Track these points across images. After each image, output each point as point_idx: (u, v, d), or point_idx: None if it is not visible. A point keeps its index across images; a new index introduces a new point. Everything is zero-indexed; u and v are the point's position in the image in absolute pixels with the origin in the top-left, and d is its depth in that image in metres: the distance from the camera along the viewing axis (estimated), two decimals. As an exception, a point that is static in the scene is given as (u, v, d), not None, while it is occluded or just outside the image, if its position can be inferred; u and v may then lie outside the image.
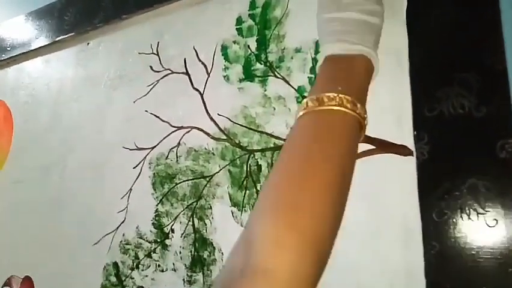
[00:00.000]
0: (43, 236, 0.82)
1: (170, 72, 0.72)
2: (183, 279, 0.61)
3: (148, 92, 0.74)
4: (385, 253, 0.45)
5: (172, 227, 0.64)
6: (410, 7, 0.49)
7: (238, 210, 0.58)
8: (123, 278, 0.68)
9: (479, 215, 0.41)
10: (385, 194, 0.47)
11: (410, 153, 0.46)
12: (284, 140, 0.57)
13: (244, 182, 0.59)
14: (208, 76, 0.67)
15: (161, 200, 0.67)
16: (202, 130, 0.65)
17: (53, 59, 0.95)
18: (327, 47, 0.32)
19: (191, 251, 0.61)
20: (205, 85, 0.67)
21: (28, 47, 0.99)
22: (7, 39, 1.05)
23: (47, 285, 0.79)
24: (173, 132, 0.69)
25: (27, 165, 0.90)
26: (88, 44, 0.88)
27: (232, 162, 0.61)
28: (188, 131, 0.67)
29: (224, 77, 0.65)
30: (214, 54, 0.67)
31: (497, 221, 0.40)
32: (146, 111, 0.73)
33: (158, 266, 0.64)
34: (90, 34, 0.87)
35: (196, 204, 0.63)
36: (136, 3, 0.78)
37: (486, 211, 0.41)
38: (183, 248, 0.62)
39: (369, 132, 0.50)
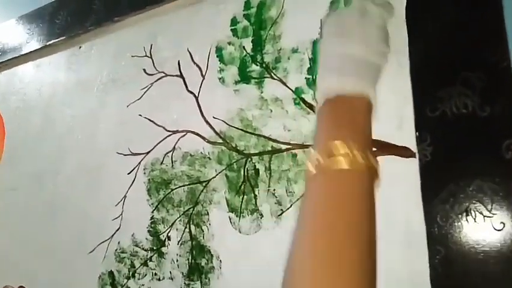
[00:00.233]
0: (37, 244, 0.80)
1: (164, 75, 0.71)
2: (180, 288, 0.59)
3: (141, 96, 0.72)
4: (388, 261, 0.44)
5: (169, 234, 0.63)
6: (410, 5, 0.48)
7: (236, 216, 0.57)
8: None
9: (485, 218, 0.39)
10: (387, 198, 0.45)
11: (412, 155, 0.44)
12: (282, 142, 0.55)
13: (242, 187, 0.57)
14: (203, 78, 0.65)
15: (156, 206, 0.65)
16: (197, 134, 0.64)
17: (45, 63, 0.93)
18: (327, 84, 0.31)
19: (188, 259, 0.60)
20: (200, 88, 0.65)
21: (19, 52, 0.97)
22: (-2, 44, 1.03)
23: (41, 295, 0.77)
24: (168, 136, 0.67)
25: (20, 172, 0.88)
26: (80, 47, 0.87)
27: (229, 166, 0.59)
28: (184, 135, 0.65)
29: (219, 79, 0.63)
30: (208, 56, 0.65)
31: (504, 224, 0.39)
32: (140, 115, 0.71)
33: (155, 274, 0.63)
34: (82, 37, 0.85)
35: (193, 211, 0.61)
36: (129, 5, 0.77)
37: (492, 214, 0.39)
38: (180, 255, 0.61)
39: (370, 133, 0.48)
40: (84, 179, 0.76)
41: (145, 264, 0.64)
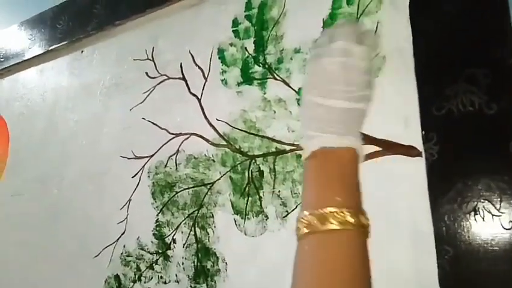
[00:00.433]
0: (42, 249, 0.80)
1: (166, 77, 0.70)
2: (187, 291, 0.59)
3: (144, 99, 0.72)
4: (395, 261, 0.43)
5: (174, 237, 0.62)
6: (413, 3, 0.47)
7: (241, 218, 0.57)
8: (125, 291, 0.66)
9: (494, 216, 0.39)
10: (393, 198, 0.45)
11: (418, 154, 0.44)
12: (286, 143, 0.55)
13: (246, 189, 0.57)
14: (206, 80, 0.65)
15: (161, 209, 0.65)
16: (201, 136, 0.63)
17: (48, 68, 0.94)
18: (313, 140, 0.31)
19: (194, 262, 0.59)
20: (202, 90, 0.65)
21: (22, 57, 0.97)
22: (0, 50, 1.03)
23: (48, 299, 0.77)
24: (171, 139, 0.67)
25: (25, 178, 0.88)
26: (82, 52, 0.87)
27: (233, 168, 0.59)
28: (187, 138, 0.65)
29: (222, 80, 0.63)
30: (210, 57, 0.65)
31: (513, 222, 0.38)
32: (143, 118, 0.71)
33: (161, 277, 0.62)
34: (84, 42, 0.85)
35: (198, 213, 0.61)
36: (129, 9, 0.77)
37: (501, 212, 0.39)
38: (186, 258, 0.61)
39: (375, 133, 0.48)
40: (88, 183, 0.76)
41: (150, 267, 0.64)
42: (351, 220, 0.27)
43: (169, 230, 0.63)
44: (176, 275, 0.61)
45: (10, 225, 0.88)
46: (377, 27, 0.50)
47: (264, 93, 0.58)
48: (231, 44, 0.64)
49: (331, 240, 0.28)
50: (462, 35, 0.44)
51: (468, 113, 0.41)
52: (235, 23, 0.64)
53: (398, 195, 0.45)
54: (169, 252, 0.62)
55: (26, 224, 0.85)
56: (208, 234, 0.59)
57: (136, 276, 0.65)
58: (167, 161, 0.66)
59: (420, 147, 0.44)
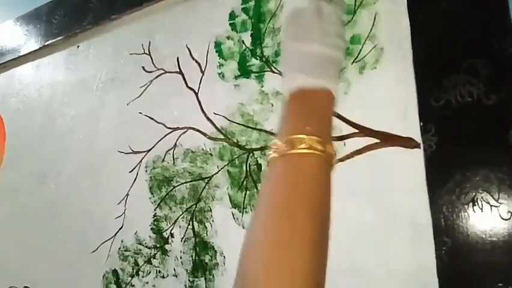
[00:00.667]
0: (41, 245, 0.80)
1: (163, 72, 0.70)
2: (185, 285, 0.59)
3: (141, 94, 0.72)
4: (394, 253, 0.43)
5: (172, 232, 0.62)
6: (411, -7, 0.47)
7: (239, 211, 0.56)
8: (123, 286, 0.66)
9: (492, 207, 0.39)
10: (392, 190, 0.45)
11: (416, 145, 0.44)
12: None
13: (244, 182, 0.57)
14: (203, 74, 0.65)
15: (159, 204, 0.65)
16: (198, 130, 0.63)
17: (44, 63, 0.93)
18: (290, 81, 0.33)
19: (192, 256, 0.59)
20: (199, 84, 0.65)
21: (17, 53, 0.96)
22: (-4, 46, 1.03)
23: (46, 295, 0.77)
24: (168, 133, 0.66)
25: (22, 173, 0.88)
26: (78, 47, 0.86)
27: (230, 162, 0.59)
28: (184, 132, 0.65)
29: (219, 74, 0.63)
30: (207, 51, 0.65)
31: (511, 213, 0.38)
32: (140, 113, 0.71)
33: (159, 272, 0.62)
34: (79, 37, 0.85)
35: (196, 207, 0.61)
36: (125, 3, 0.76)
37: (500, 203, 0.38)
38: (184, 252, 0.60)
39: (373, 125, 0.48)
40: (86, 178, 0.76)
41: (148, 262, 0.64)
42: (318, 146, 0.29)
43: (167, 225, 0.63)
44: (174, 269, 0.61)
45: (7, 220, 0.87)
46: (374, 19, 0.50)
47: (262, 86, 0.58)
48: (228, 37, 0.63)
49: (296, 162, 0.29)
50: (461, 26, 0.44)
51: (467, 104, 0.41)
52: (232, 16, 0.63)
53: (396, 187, 0.45)
54: (167, 247, 0.62)
55: (23, 219, 0.84)
56: (206, 228, 0.59)
57: (134, 271, 0.65)
58: (165, 155, 0.66)
59: (418, 138, 0.44)
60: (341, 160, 0.48)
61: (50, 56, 0.92)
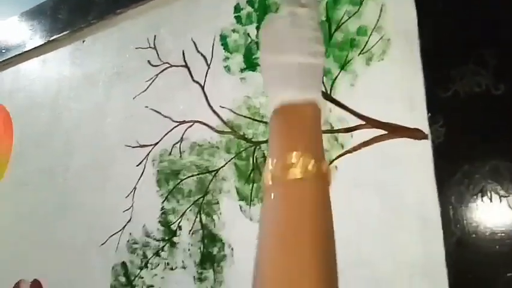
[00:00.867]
0: (50, 238, 0.81)
1: (169, 65, 0.70)
2: (193, 277, 0.60)
3: (147, 88, 0.72)
4: (402, 244, 0.43)
5: (180, 224, 0.63)
6: (419, -18, 0.46)
7: (247, 204, 0.57)
8: (132, 278, 0.67)
9: (501, 198, 0.39)
10: (399, 181, 0.45)
11: (424, 136, 0.44)
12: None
13: (251, 175, 0.57)
14: (208, 68, 0.65)
15: (166, 197, 0.65)
16: (204, 124, 0.63)
17: (49, 59, 0.93)
18: (274, 97, 0.32)
19: (200, 248, 0.60)
20: (205, 77, 0.65)
21: (23, 48, 0.97)
22: (1, 42, 1.03)
23: (55, 287, 0.78)
24: (175, 127, 0.67)
25: (30, 168, 0.89)
26: (84, 41, 0.86)
27: (237, 155, 0.59)
28: (191, 125, 0.65)
29: (225, 67, 0.63)
30: (213, 44, 0.65)
31: (520, 203, 0.38)
32: (146, 107, 0.71)
33: (168, 264, 0.63)
34: (85, 31, 0.85)
35: (203, 200, 0.61)
36: (130, -3, 0.76)
37: (509, 193, 0.38)
38: (192, 245, 0.61)
39: (380, 117, 0.48)
40: (93, 172, 0.76)
41: (157, 254, 0.64)
42: (312, 169, 0.28)
43: (175, 217, 0.64)
44: (182, 261, 0.61)
45: (17, 214, 0.89)
46: (381, 10, 0.50)
47: (268, 79, 0.58)
48: (234, 30, 0.63)
49: (294, 190, 0.29)
50: (469, 16, 0.44)
51: (475, 94, 0.41)
52: (237, 8, 0.63)
53: (404, 178, 0.45)
54: (175, 239, 0.63)
55: (32, 213, 0.85)
56: (214, 220, 0.59)
57: (143, 263, 0.66)
58: (172, 149, 0.66)
59: (426, 129, 0.44)
60: (348, 152, 0.49)
61: (55, 51, 0.92)
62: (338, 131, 0.50)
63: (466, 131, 0.41)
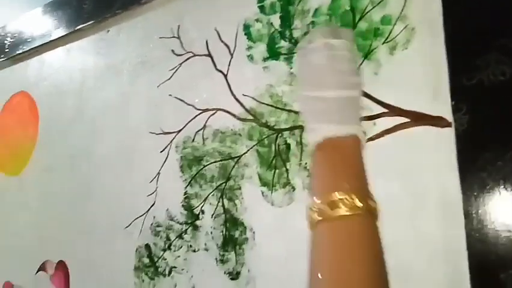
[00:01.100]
0: (75, 221, 0.84)
1: (192, 55, 0.72)
2: (215, 259, 0.62)
3: (171, 76, 0.74)
4: (423, 229, 0.45)
5: (202, 208, 0.65)
6: (445, -29, 0.47)
7: (268, 189, 0.59)
8: (155, 259, 0.69)
9: (523, 184, 0.40)
10: (422, 168, 0.46)
11: (447, 124, 0.44)
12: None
13: (273, 162, 0.59)
14: (232, 57, 0.66)
15: (190, 182, 0.67)
16: (227, 111, 0.65)
17: (74, 48, 0.96)
18: (315, 131, 0.32)
19: (222, 231, 0.62)
20: (228, 66, 0.66)
21: (48, 38, 1.00)
22: (27, 32, 1.06)
23: (80, 268, 0.82)
24: (198, 115, 0.69)
25: (55, 154, 0.92)
26: (108, 31, 0.89)
27: (259, 142, 0.61)
28: (214, 113, 0.67)
29: (248, 56, 0.64)
30: (236, 34, 0.66)
31: (543, 190, 0.39)
32: (170, 95, 0.73)
33: (190, 246, 0.65)
34: (109, 21, 0.87)
35: (225, 185, 0.63)
36: (154, -13, 0.78)
37: (531, 180, 0.39)
38: (214, 228, 0.63)
39: (403, 105, 0.48)
40: (118, 158, 0.79)
41: (180, 237, 0.67)
42: (360, 205, 0.29)
43: (198, 202, 0.66)
44: (205, 244, 0.64)
45: (44, 198, 0.92)
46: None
47: (291, 68, 0.59)
48: (257, 20, 0.64)
49: (342, 227, 0.29)
50: (493, 5, 0.44)
51: (499, 83, 0.42)
52: (261, -2, 0.64)
53: (426, 166, 0.46)
54: (197, 223, 0.65)
55: (59, 197, 0.89)
56: (236, 205, 0.61)
57: (166, 246, 0.68)
58: (195, 136, 0.68)
59: (449, 117, 0.44)
60: (371, 139, 0.50)
61: (80, 40, 0.95)
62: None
63: (489, 119, 0.42)
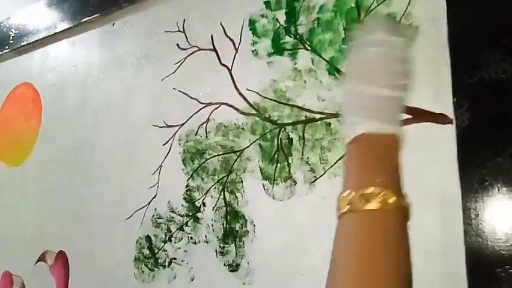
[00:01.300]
0: (76, 212, 0.85)
1: (197, 49, 0.72)
2: (215, 251, 0.63)
3: (175, 70, 0.75)
4: (422, 224, 0.45)
5: (204, 201, 0.66)
6: (449, -30, 0.47)
7: (270, 183, 0.59)
8: (156, 251, 0.70)
9: (522, 181, 0.40)
10: (422, 164, 0.47)
11: (449, 121, 0.45)
12: (316, 112, 0.57)
13: (275, 156, 0.59)
14: (236, 51, 0.67)
15: (191, 175, 0.68)
16: (231, 106, 0.66)
17: (79, 41, 0.97)
18: (353, 125, 0.32)
19: (223, 224, 0.63)
20: (233, 61, 0.67)
21: (53, 30, 1.00)
22: (32, 23, 1.07)
23: (80, 258, 0.82)
24: (202, 108, 0.69)
25: (58, 145, 0.93)
26: (113, 24, 0.89)
27: (262, 136, 0.61)
28: (217, 107, 0.67)
29: (252, 51, 0.65)
30: (241, 29, 0.67)
31: (541, 187, 0.39)
32: (174, 88, 0.74)
33: (191, 238, 0.66)
34: (115, 14, 0.88)
35: (227, 179, 0.64)
36: (161, -19, 0.78)
37: (530, 177, 0.40)
38: (215, 220, 0.64)
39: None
40: (121, 150, 0.80)
41: (181, 229, 0.67)
42: (391, 201, 0.29)
43: (199, 194, 0.66)
44: (205, 236, 0.64)
45: (45, 189, 0.93)
46: (410, -2, 0.51)
47: (295, 64, 0.60)
48: (262, 16, 0.65)
49: (371, 220, 0.29)
50: (496, 4, 0.45)
51: (500, 80, 0.42)
52: (267, -6, 0.65)
53: (427, 162, 0.46)
54: (199, 215, 0.66)
55: (60, 188, 0.89)
56: (237, 198, 0.62)
57: (167, 237, 0.69)
58: (198, 129, 0.69)
59: (451, 114, 0.45)
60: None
61: (85, 33, 0.95)
62: (363, 114, 0.51)
63: (490, 116, 0.43)
